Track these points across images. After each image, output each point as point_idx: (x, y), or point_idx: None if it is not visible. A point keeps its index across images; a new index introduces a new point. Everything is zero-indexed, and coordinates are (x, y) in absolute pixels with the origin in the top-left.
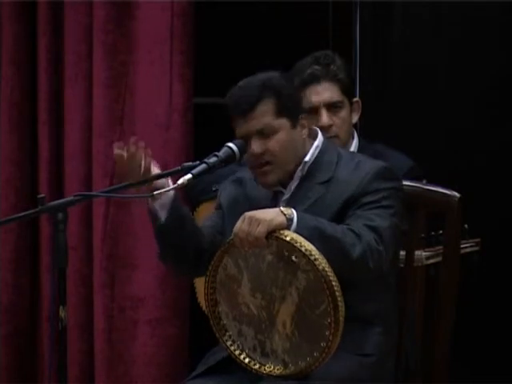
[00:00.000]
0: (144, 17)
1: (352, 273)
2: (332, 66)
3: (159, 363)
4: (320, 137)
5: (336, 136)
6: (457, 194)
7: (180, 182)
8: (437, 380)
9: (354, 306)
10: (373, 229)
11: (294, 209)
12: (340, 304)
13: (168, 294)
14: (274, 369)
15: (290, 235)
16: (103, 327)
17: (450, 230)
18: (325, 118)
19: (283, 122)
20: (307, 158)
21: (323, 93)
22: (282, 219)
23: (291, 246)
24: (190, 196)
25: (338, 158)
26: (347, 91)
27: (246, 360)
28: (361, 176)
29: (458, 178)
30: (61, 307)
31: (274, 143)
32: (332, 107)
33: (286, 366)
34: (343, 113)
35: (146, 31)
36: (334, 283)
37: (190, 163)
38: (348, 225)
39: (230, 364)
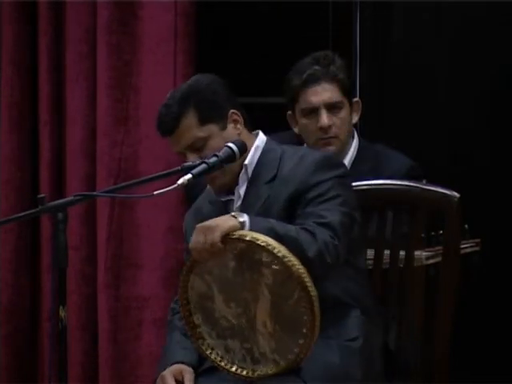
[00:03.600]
0: (147, 17)
1: (312, 270)
2: (332, 67)
3: None
4: (261, 136)
5: (336, 136)
6: (457, 194)
7: (180, 181)
8: (437, 380)
9: (324, 289)
10: (325, 225)
11: (247, 214)
12: (309, 285)
13: (173, 293)
14: (266, 371)
15: (243, 233)
16: (108, 327)
17: (449, 230)
18: (325, 118)
19: (211, 128)
20: (247, 161)
21: (323, 93)
22: (233, 222)
23: (248, 244)
24: (190, 196)
25: (282, 154)
26: (347, 91)
27: (238, 370)
28: (302, 170)
29: (458, 178)
30: (61, 307)
31: (207, 151)
32: (332, 108)
33: (277, 364)
34: (343, 113)
35: (150, 31)
36: (298, 267)
37: (190, 163)
38: (301, 224)
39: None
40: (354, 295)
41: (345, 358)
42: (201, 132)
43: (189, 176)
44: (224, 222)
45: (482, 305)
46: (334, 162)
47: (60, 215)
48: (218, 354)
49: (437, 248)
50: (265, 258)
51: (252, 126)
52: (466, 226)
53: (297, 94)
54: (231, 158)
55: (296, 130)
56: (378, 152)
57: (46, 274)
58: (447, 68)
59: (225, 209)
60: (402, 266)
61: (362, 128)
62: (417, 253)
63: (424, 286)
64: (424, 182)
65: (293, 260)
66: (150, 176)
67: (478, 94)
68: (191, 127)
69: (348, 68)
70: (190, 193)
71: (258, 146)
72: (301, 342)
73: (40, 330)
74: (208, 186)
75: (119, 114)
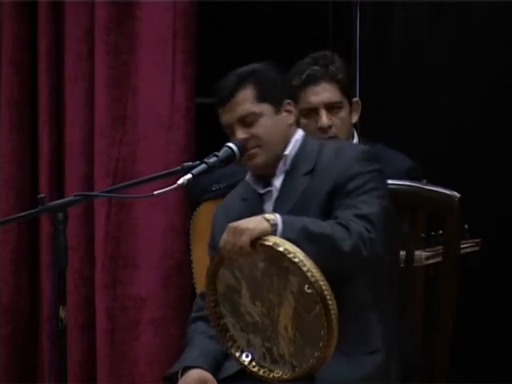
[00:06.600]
0: (146, 17)
1: (348, 266)
2: (331, 67)
3: (162, 363)
4: (300, 132)
5: (335, 137)
6: (457, 194)
7: (180, 181)
8: (437, 380)
9: (350, 292)
10: (362, 217)
11: (284, 205)
12: (330, 303)
13: (170, 293)
14: (282, 374)
15: (273, 240)
16: (106, 327)
17: (449, 230)
18: (324, 118)
19: (265, 108)
20: (287, 152)
21: (322, 93)
22: (264, 226)
23: (276, 252)
24: (190, 196)
25: (320, 147)
26: (346, 91)
27: (255, 368)
28: (343, 161)
29: (458, 178)
30: (61, 307)
31: (258, 128)
32: (331, 108)
33: (293, 369)
34: (343, 113)
35: (148, 31)
36: (321, 283)
37: (190, 163)
38: (336, 218)
39: (238, 379)
40: (376, 301)
41: (367, 373)
42: (255, 107)
43: (189, 176)
44: (255, 225)
45: (482, 305)
46: (374, 156)
47: (60, 215)
48: (238, 348)
49: (437, 248)
50: (291, 267)
51: None
52: (466, 225)
53: (296, 95)
54: (231, 158)
55: None
56: (377, 152)
57: (46, 274)
58: (447, 68)
59: (261, 202)
60: (402, 265)
61: (362, 128)
62: (417, 253)
63: (424, 286)
64: (424, 181)
65: (316, 275)
66: (151, 176)
67: (478, 93)
68: (247, 100)
69: (348, 68)
70: (190, 193)
71: (297, 139)
72: (317, 354)
73: (40, 330)
74: (240, 183)
75: (117, 113)
